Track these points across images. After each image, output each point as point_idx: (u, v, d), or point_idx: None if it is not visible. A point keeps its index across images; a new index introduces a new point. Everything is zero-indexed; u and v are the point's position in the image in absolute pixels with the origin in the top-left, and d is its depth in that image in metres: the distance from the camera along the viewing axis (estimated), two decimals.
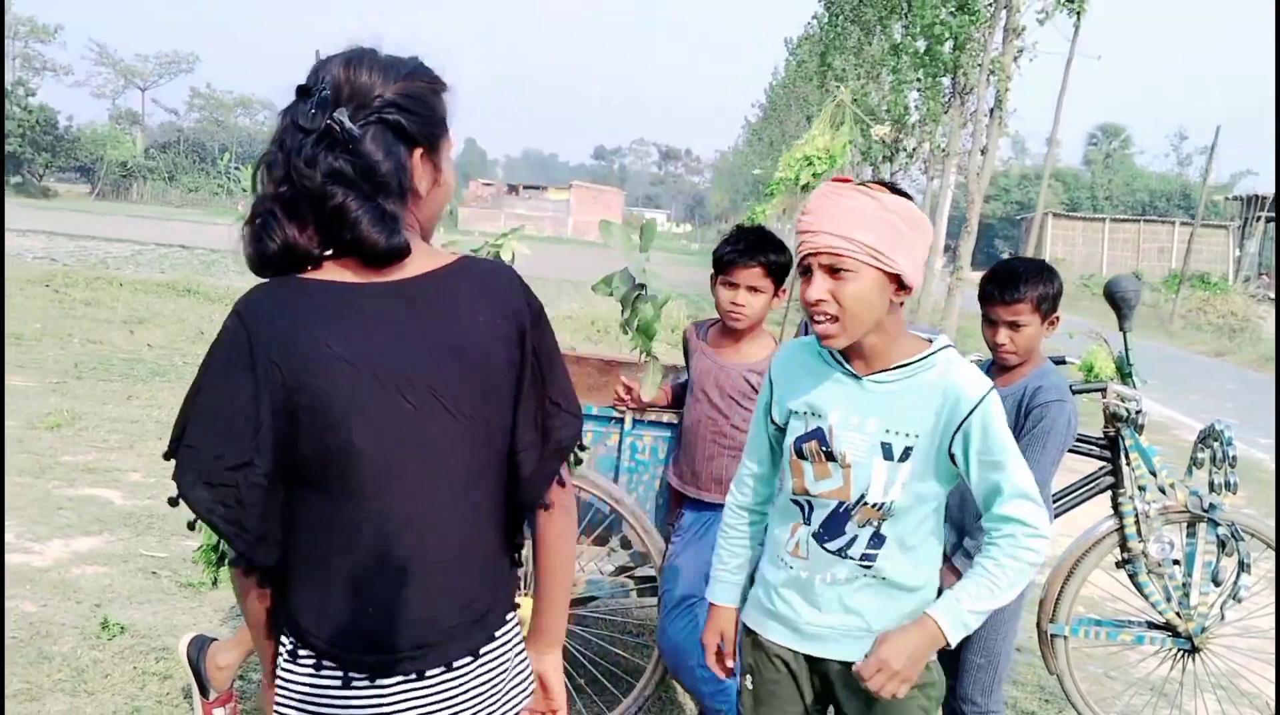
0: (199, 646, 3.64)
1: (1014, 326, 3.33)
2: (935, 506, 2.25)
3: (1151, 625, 4.22)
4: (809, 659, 2.33)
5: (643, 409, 3.72)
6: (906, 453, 2.15)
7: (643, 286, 3.62)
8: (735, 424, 3.48)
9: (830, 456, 2.19)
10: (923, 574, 2.27)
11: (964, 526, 3.42)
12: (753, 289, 3.46)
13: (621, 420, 3.71)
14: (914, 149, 27.82)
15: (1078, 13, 15.69)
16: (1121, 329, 4.12)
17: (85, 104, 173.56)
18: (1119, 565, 4.16)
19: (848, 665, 2.24)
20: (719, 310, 3.53)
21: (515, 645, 1.88)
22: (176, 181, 70.56)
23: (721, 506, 3.46)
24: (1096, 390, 4.09)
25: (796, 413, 2.26)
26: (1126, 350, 4.12)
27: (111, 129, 79.21)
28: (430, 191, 1.76)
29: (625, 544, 3.73)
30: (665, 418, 3.72)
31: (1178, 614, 4.14)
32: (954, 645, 2.17)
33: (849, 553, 2.22)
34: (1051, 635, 4.16)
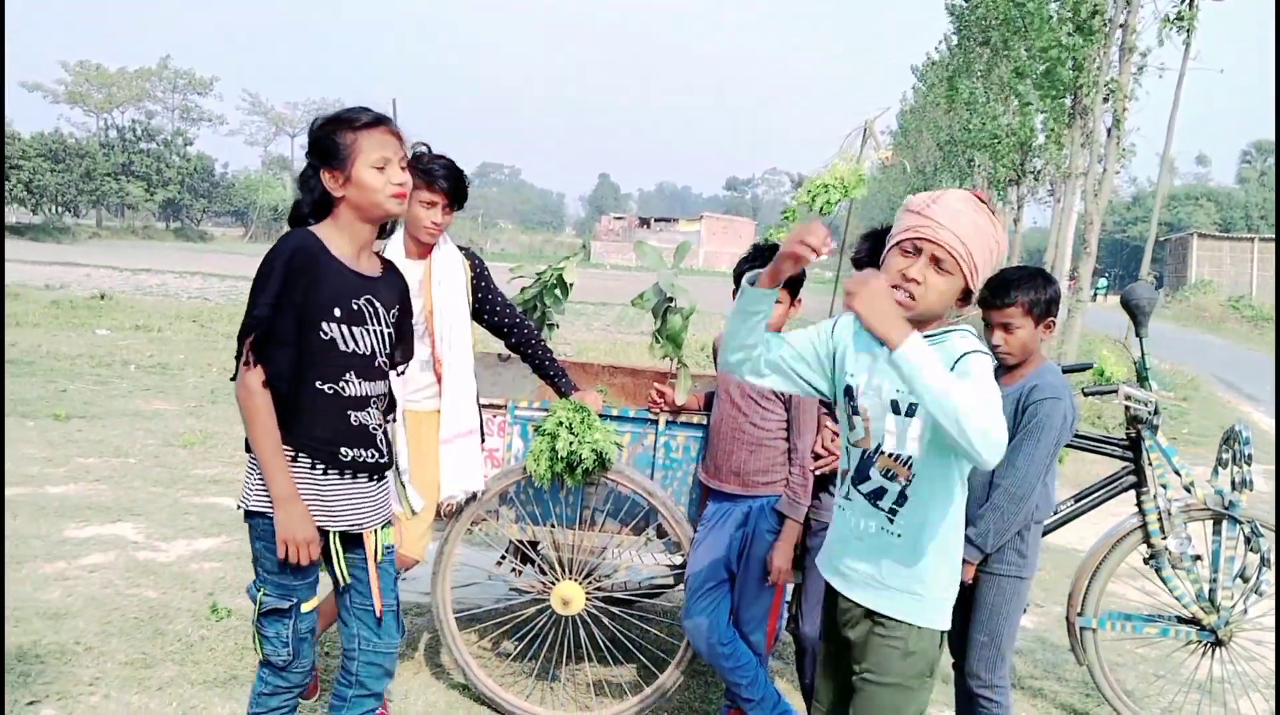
0: None
1: (1007, 328, 3.61)
2: (957, 484, 2.51)
3: (1179, 619, 4.39)
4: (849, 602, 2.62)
5: (676, 412, 4.09)
6: (913, 408, 2.47)
7: (671, 299, 4.01)
8: (753, 422, 3.84)
9: (855, 411, 2.57)
10: (932, 568, 2.53)
11: (969, 514, 3.69)
12: (778, 301, 3.81)
13: (656, 422, 4.09)
14: (1039, 171, 27.50)
15: (1188, 29, 15.46)
16: (1137, 335, 4.33)
17: (239, 151, 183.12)
18: (1145, 561, 4.35)
19: (868, 612, 2.57)
20: None
21: None
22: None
23: (739, 497, 3.85)
24: (1108, 392, 4.31)
25: (842, 368, 2.63)
26: (1143, 356, 4.33)
27: (263, 175, 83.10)
28: (345, 190, 2.80)
29: (660, 533, 4.10)
30: (696, 420, 4.08)
31: (1201, 607, 4.31)
32: (895, 346, 2.27)
33: (880, 504, 2.54)
34: (1080, 628, 4.37)
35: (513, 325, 4.11)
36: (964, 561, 3.62)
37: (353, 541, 2.96)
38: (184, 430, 8.60)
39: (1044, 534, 4.41)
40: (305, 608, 2.90)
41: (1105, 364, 4.41)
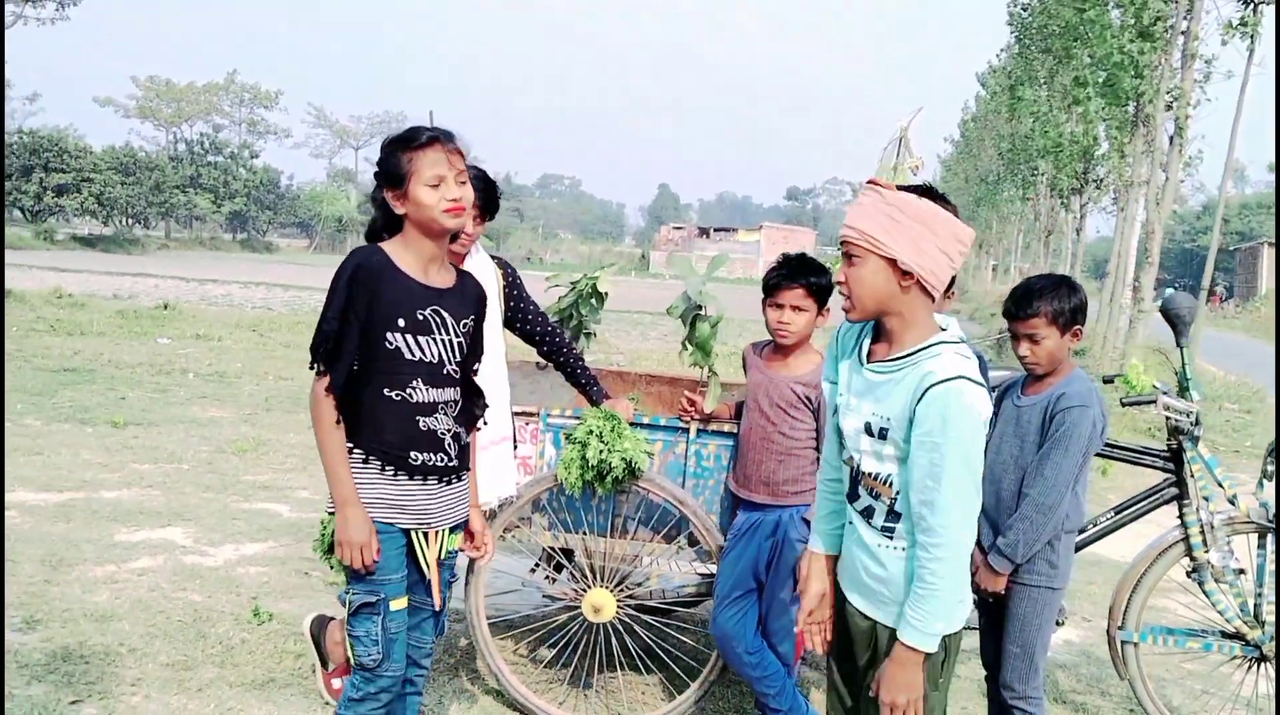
0: (320, 624, 4.22)
1: (1032, 339, 3.57)
2: None
3: (1222, 634, 4.30)
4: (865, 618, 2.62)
5: (707, 420, 4.10)
6: (884, 432, 2.46)
7: (700, 307, 4.02)
8: (782, 431, 3.84)
9: (839, 428, 2.60)
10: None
11: (998, 525, 3.66)
12: (796, 308, 3.82)
13: (687, 430, 4.10)
14: (1102, 179, 27.08)
15: (1251, 35, 15.16)
16: (1179, 345, 4.26)
17: (304, 164, 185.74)
18: (1188, 575, 4.27)
19: (878, 627, 2.56)
20: (768, 329, 3.89)
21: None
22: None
23: (768, 506, 3.85)
24: (1147, 402, 4.24)
25: (834, 384, 2.67)
26: (1184, 365, 4.26)
27: (328, 187, 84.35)
28: (405, 208, 2.90)
29: (692, 542, 4.11)
30: (727, 428, 4.09)
31: (1245, 622, 4.22)
32: (933, 650, 2.42)
33: (873, 522, 2.54)
34: (1121, 642, 4.29)
35: (545, 333, 4.15)
36: (994, 572, 3.62)
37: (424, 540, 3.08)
38: (237, 437, 8.76)
39: (1083, 546, 4.37)
40: (394, 605, 2.98)
41: (1134, 373, 4.35)
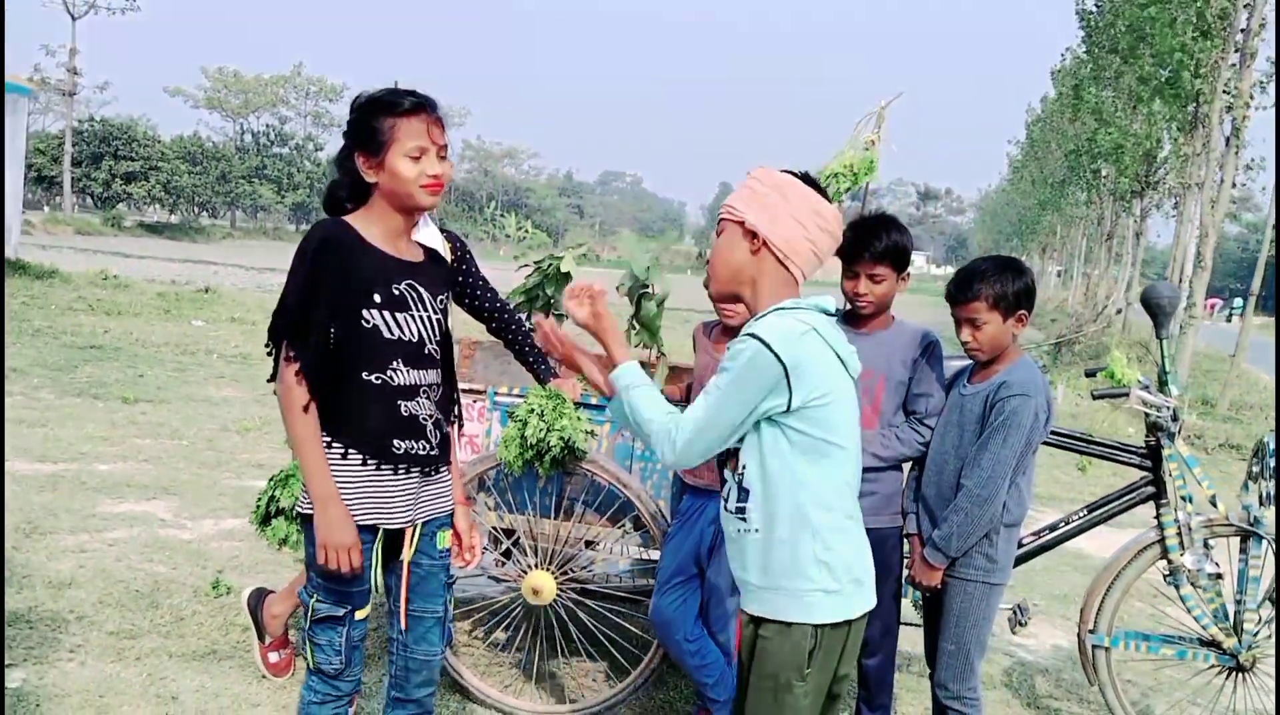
0: (258, 596, 4.16)
1: (973, 324, 3.41)
2: (796, 465, 2.33)
3: (1199, 641, 4.10)
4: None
5: None
6: None
7: (646, 285, 3.90)
8: None
9: None
10: (790, 559, 2.34)
11: (937, 517, 3.50)
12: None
13: None
14: (1161, 182, 26.49)
15: None
16: (1158, 336, 4.07)
17: None
18: (1165, 578, 4.07)
19: (750, 618, 2.43)
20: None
21: None
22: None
23: (711, 492, 3.71)
24: (1119, 395, 4.05)
25: None
26: (1164, 357, 4.06)
27: None
28: (378, 177, 2.68)
29: (637, 525, 3.99)
30: None
31: (1222, 630, 4.02)
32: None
33: (728, 503, 2.42)
34: (1092, 646, 4.10)
35: (494, 309, 4.05)
36: (929, 565, 3.47)
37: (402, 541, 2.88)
38: (244, 416, 8.78)
39: (1054, 544, 4.19)
40: (359, 615, 2.78)
41: (1117, 366, 4.17)
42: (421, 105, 2.69)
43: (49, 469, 6.64)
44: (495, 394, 4.06)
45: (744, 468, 2.36)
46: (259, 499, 3.99)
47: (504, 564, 4.28)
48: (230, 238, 64.80)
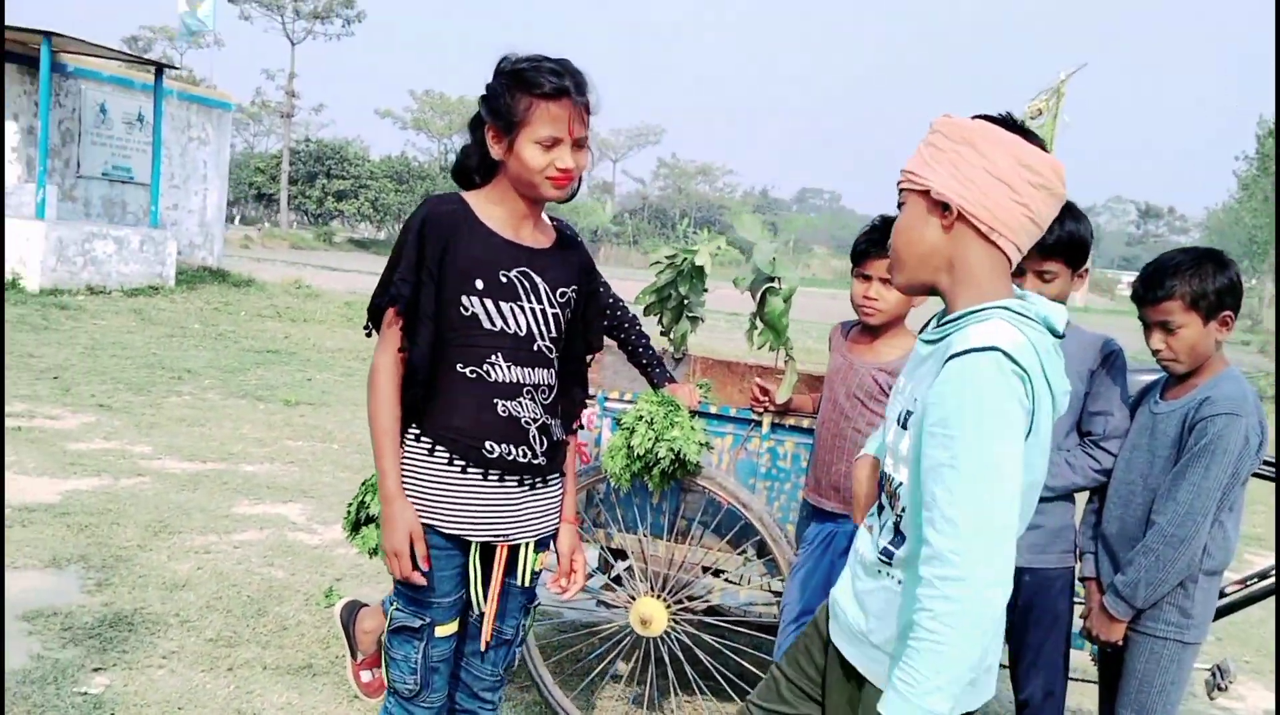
0: (351, 611, 3.88)
1: (1167, 328, 2.84)
2: None
3: None
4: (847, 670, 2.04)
5: (783, 412, 3.53)
6: (907, 419, 1.87)
7: (772, 279, 3.46)
8: (857, 427, 3.21)
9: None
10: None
11: (1117, 556, 2.94)
12: (886, 282, 3.19)
13: (760, 423, 3.54)
14: None
15: None
16: None
17: None
18: None
19: (846, 668, 2.00)
20: (852, 305, 3.29)
21: None
22: (639, 245, 75.80)
23: (840, 517, 3.23)
24: None
25: None
26: None
27: (586, 199, 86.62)
28: (505, 156, 2.38)
29: (761, 551, 3.55)
30: (807, 424, 3.50)
31: None
32: None
33: (876, 542, 1.96)
34: None
35: (607, 307, 3.72)
36: (1110, 618, 2.90)
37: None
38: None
39: (1264, 596, 3.52)
40: (440, 632, 2.51)
41: None
42: (566, 91, 2.34)
43: (195, 468, 6.63)
44: (605, 399, 3.68)
45: (904, 511, 1.87)
46: (350, 504, 3.73)
47: (614, 589, 3.90)
48: None
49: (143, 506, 5.66)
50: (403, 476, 2.45)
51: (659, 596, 3.62)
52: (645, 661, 3.81)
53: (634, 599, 3.64)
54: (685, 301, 4.24)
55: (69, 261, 14.48)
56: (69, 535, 5.07)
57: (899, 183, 1.92)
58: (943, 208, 1.83)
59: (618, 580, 3.89)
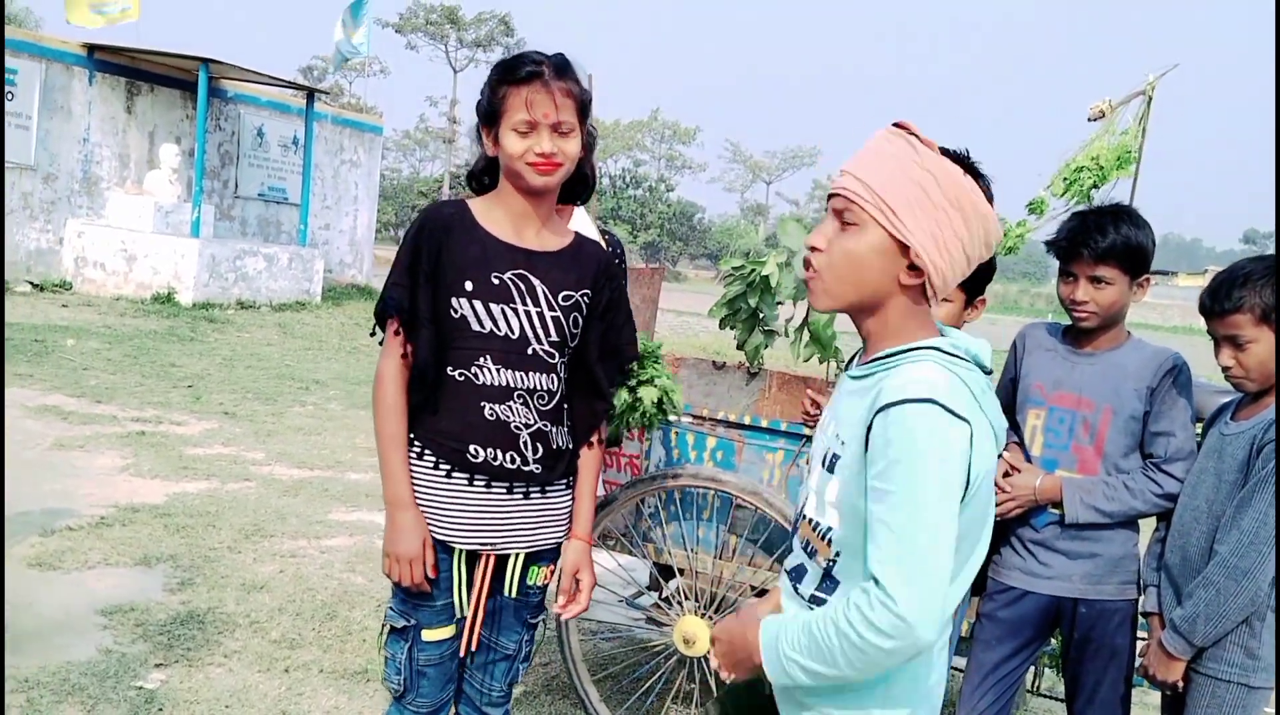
0: None
1: (1235, 343, 2.61)
2: None
3: None
4: None
5: None
6: (834, 462, 1.74)
7: None
8: None
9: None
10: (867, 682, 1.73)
11: (1179, 588, 2.72)
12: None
13: (810, 438, 3.40)
14: None
15: None
16: None
17: (717, 198, 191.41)
18: None
19: None
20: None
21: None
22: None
23: None
24: None
25: None
26: None
27: (739, 220, 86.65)
28: (496, 151, 2.40)
29: None
30: None
31: None
32: (771, 679, 1.73)
33: (799, 589, 1.82)
34: None
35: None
36: (1168, 654, 2.67)
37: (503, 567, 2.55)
38: None
39: None
40: (427, 635, 2.48)
41: None
42: (538, 73, 2.31)
43: (301, 474, 6.80)
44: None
45: (837, 556, 1.73)
46: None
47: (663, 608, 3.80)
48: None
49: (241, 510, 5.82)
50: None
51: (705, 616, 3.51)
52: (690, 681, 3.69)
53: (678, 616, 3.53)
54: (759, 314, 4.12)
55: (221, 277, 15.13)
56: (165, 535, 5.24)
57: (852, 192, 1.70)
58: (912, 267, 1.68)
59: (668, 600, 3.78)
